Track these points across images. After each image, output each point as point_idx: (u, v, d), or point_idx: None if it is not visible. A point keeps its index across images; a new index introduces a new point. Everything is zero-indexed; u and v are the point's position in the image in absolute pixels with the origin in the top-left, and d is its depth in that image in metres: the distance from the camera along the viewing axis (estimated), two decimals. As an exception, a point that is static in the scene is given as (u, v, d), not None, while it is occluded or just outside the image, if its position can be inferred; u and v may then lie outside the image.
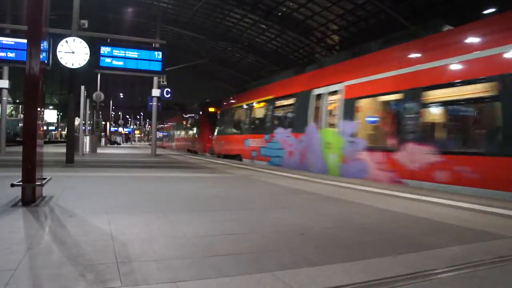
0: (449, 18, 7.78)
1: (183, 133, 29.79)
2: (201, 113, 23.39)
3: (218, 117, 18.52)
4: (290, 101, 11.48)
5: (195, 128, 25.18)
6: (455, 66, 6.46)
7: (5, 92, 15.19)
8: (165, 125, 41.99)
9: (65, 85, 41.41)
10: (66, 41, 10.36)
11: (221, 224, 3.40)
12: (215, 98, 27.40)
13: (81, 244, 2.61)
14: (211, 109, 22.02)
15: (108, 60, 11.80)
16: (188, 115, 28.10)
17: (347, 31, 27.45)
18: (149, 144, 33.48)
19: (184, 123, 29.15)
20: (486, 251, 2.71)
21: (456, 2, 17.84)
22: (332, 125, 9.57)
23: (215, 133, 18.45)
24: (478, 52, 6.09)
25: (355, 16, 25.31)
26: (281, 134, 11.61)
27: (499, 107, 5.77)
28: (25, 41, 4.11)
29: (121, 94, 56.87)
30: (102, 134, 38.27)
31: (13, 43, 10.79)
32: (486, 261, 2.46)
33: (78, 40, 10.52)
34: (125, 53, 11.99)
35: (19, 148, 4.66)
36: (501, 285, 2.14)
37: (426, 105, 6.98)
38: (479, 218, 3.92)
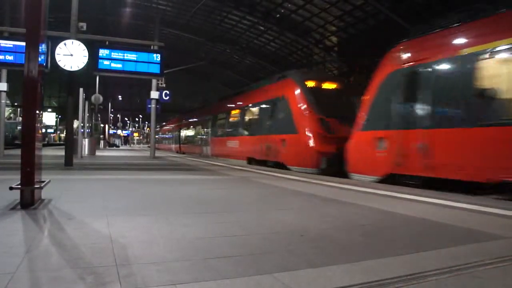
0: (448, 18, 7.67)
1: (237, 131, 17.05)
2: (290, 90, 12.40)
3: (400, 84, 7.86)
4: None
5: (271, 121, 13.34)
6: None
7: (3, 95, 15.17)
8: (186, 121, 28.60)
9: (63, 87, 41.38)
10: (65, 44, 10.36)
11: (220, 226, 3.39)
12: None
13: (80, 247, 2.60)
14: (311, 83, 12.22)
15: (106, 62, 11.81)
16: (251, 97, 16.26)
17: (345, 32, 27.47)
18: (148, 147, 31.92)
19: (237, 113, 17.18)
20: (486, 251, 2.70)
21: (456, 3, 17.91)
22: None
23: (373, 124, 8.48)
24: None
25: (353, 17, 25.32)
26: None
27: None
28: (23, 43, 4.10)
29: (119, 96, 56.86)
30: (101, 136, 38.28)
31: (11, 46, 10.78)
32: (486, 261, 2.45)
33: (76, 42, 10.51)
34: (123, 56, 12.00)
35: (18, 151, 4.65)
36: (500, 285, 2.14)
37: None
38: (478, 219, 3.92)
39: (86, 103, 18.30)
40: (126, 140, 72.83)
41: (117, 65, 11.96)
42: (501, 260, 2.49)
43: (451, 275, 2.21)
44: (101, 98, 21.59)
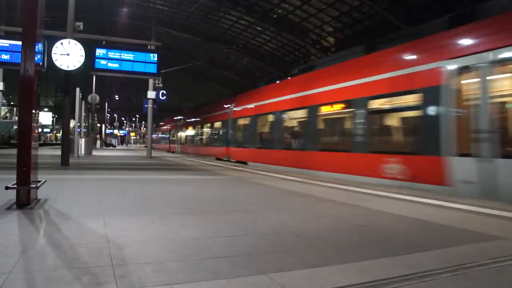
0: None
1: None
2: None
3: None
4: None
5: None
6: None
7: (-1, 94, 15.12)
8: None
9: (60, 87, 41.19)
10: (61, 43, 10.31)
11: (217, 226, 3.40)
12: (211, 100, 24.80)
13: (76, 247, 2.60)
14: None
15: (103, 62, 11.74)
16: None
17: (342, 33, 27.54)
18: (145, 146, 32.16)
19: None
20: (481, 252, 2.72)
21: (451, 4, 17.98)
22: None
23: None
24: None
25: (350, 18, 25.40)
26: None
27: None
28: (20, 43, 4.09)
29: (116, 96, 56.64)
30: (98, 136, 38.12)
31: (7, 45, 10.70)
32: (481, 262, 2.47)
33: (73, 42, 10.47)
34: (120, 55, 11.93)
35: (14, 151, 4.63)
36: (495, 286, 2.15)
37: None
38: (474, 220, 3.94)
39: (83, 102, 18.24)
40: (123, 140, 72.59)
41: (114, 65, 11.89)
42: (496, 261, 2.50)
43: (446, 276, 2.23)
44: (97, 97, 21.50)
